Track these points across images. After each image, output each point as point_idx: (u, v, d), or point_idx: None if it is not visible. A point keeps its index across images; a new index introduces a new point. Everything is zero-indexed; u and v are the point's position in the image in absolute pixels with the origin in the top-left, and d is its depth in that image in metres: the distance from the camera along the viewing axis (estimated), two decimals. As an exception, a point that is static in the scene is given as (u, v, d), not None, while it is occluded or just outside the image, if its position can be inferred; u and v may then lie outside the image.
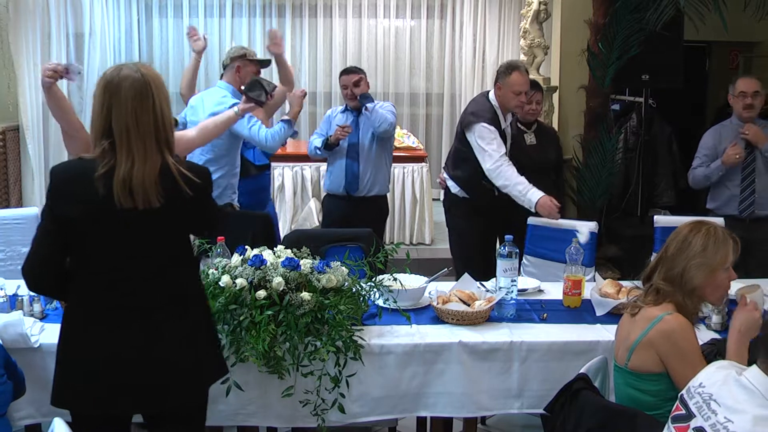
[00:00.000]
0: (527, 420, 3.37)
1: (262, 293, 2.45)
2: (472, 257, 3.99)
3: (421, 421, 3.02)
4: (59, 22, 6.27)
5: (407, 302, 2.83)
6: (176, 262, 2.07)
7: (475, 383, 2.59)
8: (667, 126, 6.03)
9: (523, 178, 3.75)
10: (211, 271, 2.59)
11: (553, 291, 3.12)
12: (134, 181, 1.92)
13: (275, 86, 3.48)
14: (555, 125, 5.84)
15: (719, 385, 1.70)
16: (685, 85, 5.47)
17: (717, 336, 2.59)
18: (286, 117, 3.86)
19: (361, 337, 2.54)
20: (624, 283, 2.99)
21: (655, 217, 3.92)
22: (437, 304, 2.75)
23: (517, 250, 2.82)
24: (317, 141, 4.41)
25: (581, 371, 2.32)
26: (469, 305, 2.73)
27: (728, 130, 4.14)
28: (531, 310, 2.90)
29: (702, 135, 4.28)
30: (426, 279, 2.99)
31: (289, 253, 2.63)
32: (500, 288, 2.80)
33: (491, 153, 3.79)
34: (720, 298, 2.35)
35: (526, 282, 3.22)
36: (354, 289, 2.62)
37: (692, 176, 4.24)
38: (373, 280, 2.68)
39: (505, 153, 3.87)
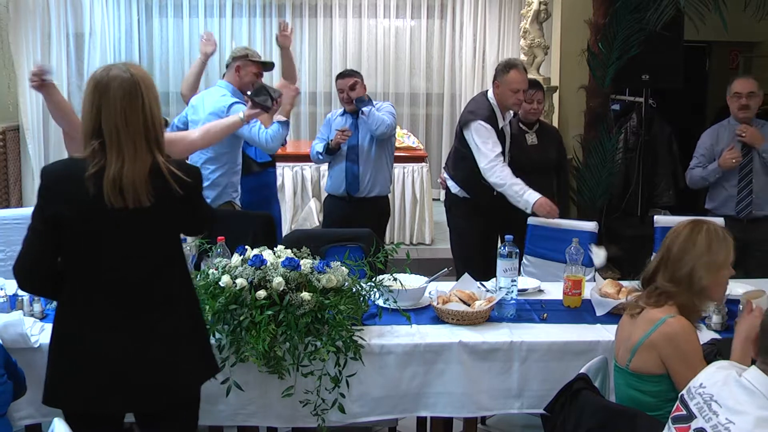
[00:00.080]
0: (527, 420, 3.37)
1: (262, 293, 2.45)
2: (472, 257, 3.99)
3: (421, 421, 3.02)
4: (59, 22, 6.27)
5: (407, 302, 2.83)
6: (167, 261, 2.08)
7: (475, 383, 2.59)
8: (667, 126, 6.03)
9: (519, 179, 3.75)
10: (211, 271, 2.59)
11: (553, 291, 3.12)
12: (124, 181, 1.93)
13: (280, 93, 3.47)
14: (555, 125, 5.84)
15: (720, 386, 1.70)
16: (685, 85, 5.47)
17: (717, 336, 2.60)
18: (280, 117, 3.86)
19: (361, 337, 2.54)
20: (624, 283, 2.99)
21: (655, 217, 3.92)
22: (437, 304, 2.75)
23: (517, 250, 2.82)
24: (319, 146, 4.42)
25: (581, 371, 2.32)
26: (469, 305, 2.73)
27: (726, 131, 4.13)
28: (531, 310, 2.90)
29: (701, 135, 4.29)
30: (426, 279, 2.99)
31: (289, 253, 2.63)
32: (500, 288, 2.80)
33: (486, 152, 3.79)
34: (722, 297, 2.36)
35: (526, 282, 3.22)
36: (354, 289, 2.62)
37: (690, 176, 4.24)
38: (373, 280, 2.68)
39: (502, 152, 3.87)
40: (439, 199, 7.24)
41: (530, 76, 5.05)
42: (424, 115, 8.66)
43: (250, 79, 3.91)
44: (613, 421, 2.12)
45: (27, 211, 3.64)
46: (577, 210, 5.50)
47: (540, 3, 5.97)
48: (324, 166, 5.33)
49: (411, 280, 2.92)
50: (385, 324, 2.68)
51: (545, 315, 2.83)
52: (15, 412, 2.46)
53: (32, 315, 2.67)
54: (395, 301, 2.69)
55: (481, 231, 4.01)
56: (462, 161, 3.97)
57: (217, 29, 8.21)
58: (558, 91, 6.09)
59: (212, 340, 2.45)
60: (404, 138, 6.64)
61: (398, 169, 6.21)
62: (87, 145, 1.98)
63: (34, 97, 5.59)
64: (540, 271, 3.70)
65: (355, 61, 8.37)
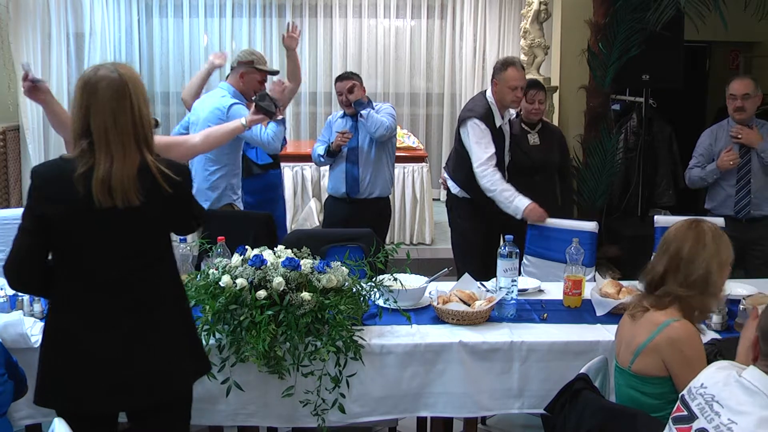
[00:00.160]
0: (527, 420, 3.37)
1: (262, 293, 2.45)
2: (473, 257, 3.99)
3: (421, 421, 3.02)
4: (59, 22, 6.28)
5: (407, 302, 2.83)
6: (158, 260, 2.09)
7: (476, 383, 2.58)
8: (667, 126, 6.03)
9: (509, 185, 3.75)
10: (211, 271, 2.59)
11: (554, 291, 3.12)
12: (113, 181, 1.94)
13: (281, 102, 3.48)
14: (555, 125, 5.84)
15: (721, 386, 1.69)
16: (685, 85, 5.47)
17: (717, 336, 2.60)
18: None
19: (361, 337, 2.54)
20: (624, 283, 2.99)
21: (656, 217, 3.92)
22: (437, 304, 2.75)
23: (518, 250, 2.82)
24: (320, 148, 4.43)
25: (581, 371, 2.32)
26: (469, 305, 2.73)
27: (724, 131, 4.13)
28: (531, 310, 2.90)
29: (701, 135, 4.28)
30: (426, 279, 2.99)
31: (289, 253, 2.63)
32: (500, 288, 2.80)
33: (478, 153, 3.80)
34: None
35: (526, 282, 3.22)
36: (354, 289, 2.62)
37: (689, 176, 4.25)
38: (374, 280, 2.68)
39: (501, 152, 3.87)
40: (439, 199, 7.29)
41: (530, 76, 5.06)
42: (424, 115, 8.66)
43: (254, 86, 3.89)
44: (614, 421, 2.11)
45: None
46: (577, 210, 5.50)
47: (540, 3, 5.97)
48: (324, 167, 5.33)
49: (411, 280, 2.92)
50: (386, 324, 2.68)
51: (545, 315, 2.83)
52: (15, 412, 2.46)
53: (32, 315, 2.67)
54: (395, 301, 2.69)
55: (482, 231, 4.01)
56: (462, 162, 3.97)
57: (217, 29, 8.21)
58: (558, 91, 6.09)
59: (212, 340, 2.45)
60: (404, 138, 6.65)
61: (398, 169, 6.21)
62: (76, 145, 2.00)
63: (34, 96, 5.59)
64: (540, 271, 3.70)
65: (355, 61, 8.37)
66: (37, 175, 2.04)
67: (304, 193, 6.32)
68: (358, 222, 4.07)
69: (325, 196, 5.13)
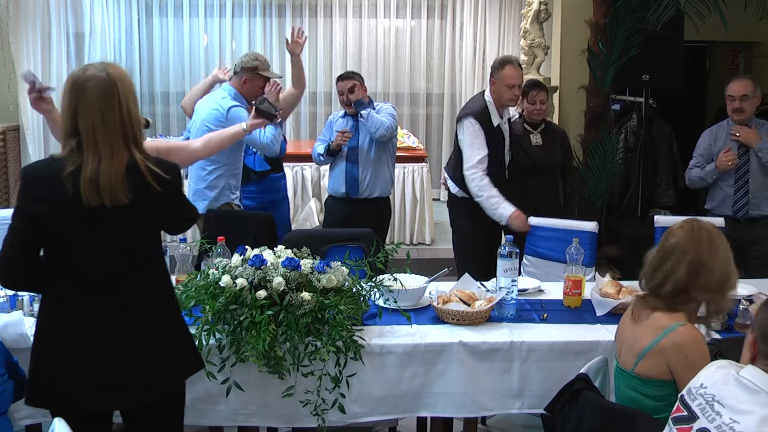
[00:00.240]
0: (527, 420, 3.37)
1: (262, 293, 2.45)
2: (473, 257, 3.99)
3: (421, 421, 3.02)
4: (59, 22, 6.29)
5: (407, 302, 2.83)
6: (148, 259, 2.09)
7: (476, 383, 2.58)
8: (667, 126, 6.03)
9: (496, 191, 3.76)
10: (211, 271, 2.59)
11: (554, 291, 3.12)
12: (101, 179, 1.95)
13: (281, 107, 3.49)
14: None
15: (720, 386, 1.69)
16: (685, 85, 5.47)
17: (717, 336, 2.60)
18: None
19: (361, 337, 2.54)
20: (624, 283, 2.99)
21: (656, 217, 3.92)
22: (437, 304, 2.75)
23: (518, 250, 2.82)
24: (320, 148, 4.43)
25: (581, 371, 2.32)
26: (469, 305, 2.73)
27: (723, 131, 4.14)
28: (531, 310, 2.90)
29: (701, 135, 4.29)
30: (426, 279, 2.99)
31: (289, 253, 2.63)
32: (500, 288, 2.80)
33: (470, 155, 3.82)
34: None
35: (526, 282, 3.21)
36: (354, 289, 2.62)
37: (688, 177, 4.25)
38: (374, 280, 2.68)
39: (501, 152, 3.87)
40: (439, 199, 7.29)
41: (531, 76, 5.06)
42: (424, 115, 8.66)
43: (256, 92, 3.88)
44: (614, 421, 2.11)
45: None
46: (577, 210, 5.50)
47: (540, 3, 5.98)
48: (324, 166, 5.33)
49: (411, 280, 2.92)
50: (386, 324, 2.68)
51: (545, 315, 2.83)
52: (15, 412, 2.46)
53: (32, 315, 2.66)
54: (395, 301, 2.69)
55: (482, 231, 4.01)
56: (461, 162, 3.97)
57: (217, 29, 8.21)
58: (558, 91, 6.09)
59: (212, 340, 2.45)
60: (404, 138, 6.65)
61: (398, 169, 6.20)
62: (65, 144, 2.01)
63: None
64: (540, 271, 3.70)
65: (355, 61, 8.37)
66: (27, 174, 2.05)
67: (304, 193, 6.32)
68: (358, 222, 4.07)
69: (325, 196, 5.13)
